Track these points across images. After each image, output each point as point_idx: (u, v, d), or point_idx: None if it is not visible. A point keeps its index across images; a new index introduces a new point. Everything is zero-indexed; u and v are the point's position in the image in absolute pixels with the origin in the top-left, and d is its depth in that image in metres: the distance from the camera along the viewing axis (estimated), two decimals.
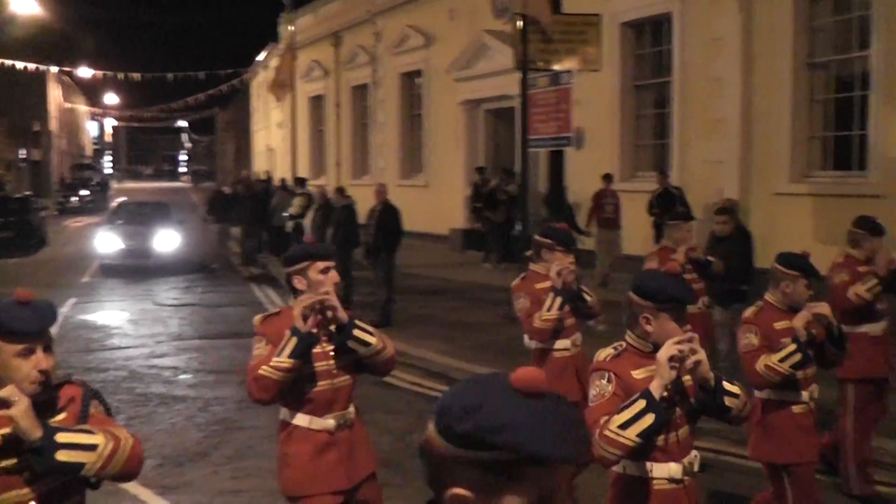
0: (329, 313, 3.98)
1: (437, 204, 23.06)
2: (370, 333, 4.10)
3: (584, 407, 5.64)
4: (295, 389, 4.04)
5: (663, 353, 3.30)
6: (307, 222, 18.04)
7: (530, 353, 5.88)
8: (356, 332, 4.04)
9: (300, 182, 22.10)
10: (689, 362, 3.31)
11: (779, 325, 4.87)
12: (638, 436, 3.23)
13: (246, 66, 46.22)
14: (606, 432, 3.24)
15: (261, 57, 43.58)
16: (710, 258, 7.57)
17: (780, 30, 13.55)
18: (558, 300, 5.48)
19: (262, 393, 3.94)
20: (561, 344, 5.68)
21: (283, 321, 4.06)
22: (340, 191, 15.66)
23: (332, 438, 4.12)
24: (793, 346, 4.59)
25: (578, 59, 14.04)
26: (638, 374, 3.49)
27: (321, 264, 4.13)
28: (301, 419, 4.11)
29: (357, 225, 14.18)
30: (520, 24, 12.99)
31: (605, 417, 3.28)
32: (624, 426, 3.23)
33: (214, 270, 20.54)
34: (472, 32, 21.36)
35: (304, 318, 3.91)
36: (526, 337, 5.84)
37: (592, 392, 3.48)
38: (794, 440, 4.87)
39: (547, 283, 5.61)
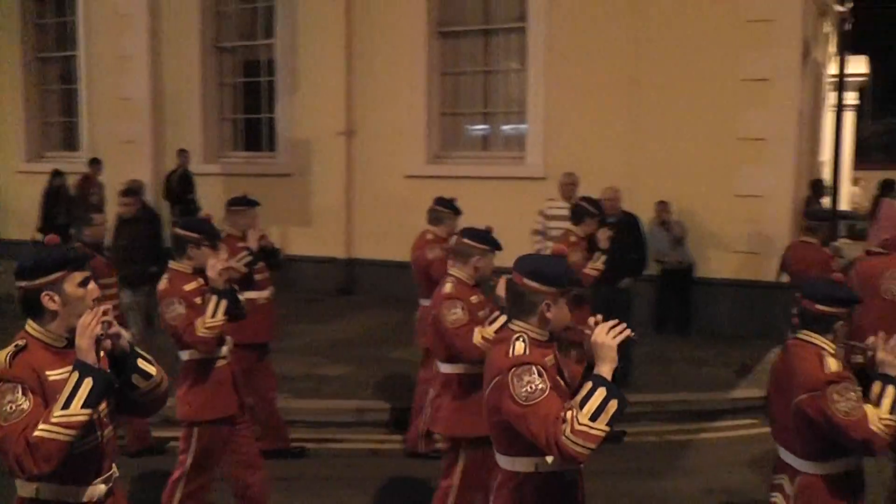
0: (107, 342, 3.11)
1: None
2: (149, 361, 3.29)
3: (244, 421, 5.23)
4: None
5: (610, 338, 3.12)
6: None
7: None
8: (139, 362, 3.23)
9: None
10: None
11: (474, 298, 4.95)
12: (607, 424, 3.01)
13: None
14: (578, 427, 2.97)
15: None
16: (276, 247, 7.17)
17: (187, 12, 13.78)
18: (223, 303, 4.91)
19: (44, 464, 2.91)
20: (222, 352, 5.08)
21: (35, 358, 3.07)
22: None
23: None
24: (504, 318, 4.44)
25: None
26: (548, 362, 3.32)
27: (79, 275, 3.19)
28: (57, 492, 3.13)
29: None
30: None
31: (565, 412, 3.02)
32: (594, 417, 2.98)
33: None
34: None
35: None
36: (185, 353, 5.04)
37: (524, 389, 3.12)
38: (475, 412, 4.85)
39: (195, 284, 5.04)
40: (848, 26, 14.33)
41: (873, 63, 21.15)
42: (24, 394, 2.96)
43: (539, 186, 10.86)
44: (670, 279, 10.66)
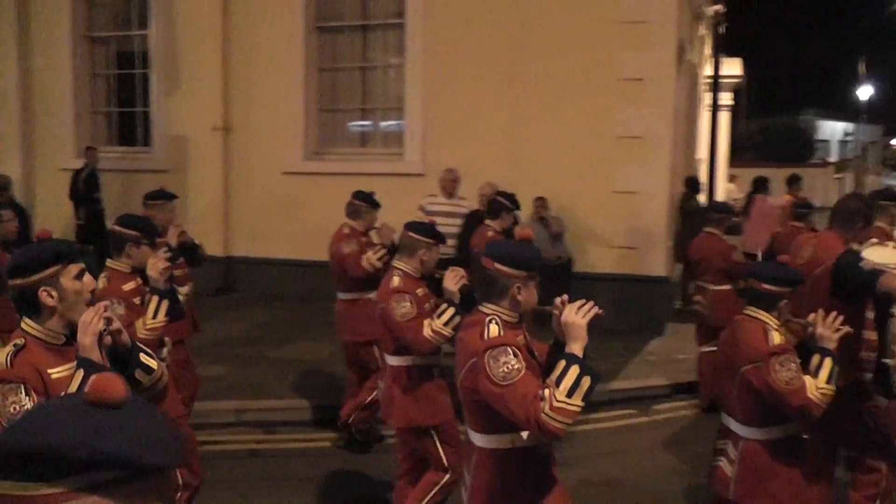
0: (108, 338, 2.96)
1: None
2: (149, 355, 3.16)
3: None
4: None
5: (580, 317, 3.25)
6: None
7: None
8: (141, 356, 3.09)
9: None
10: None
11: (420, 291, 5.05)
12: (582, 400, 3.14)
13: None
14: (557, 404, 3.09)
15: None
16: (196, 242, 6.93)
17: (57, 1, 13.19)
18: (165, 303, 4.68)
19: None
20: (162, 353, 4.80)
21: (35, 357, 2.97)
22: None
23: None
24: (451, 310, 4.75)
25: None
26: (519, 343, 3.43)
27: (74, 268, 3.08)
28: None
29: None
30: None
31: (542, 390, 3.14)
32: (570, 394, 3.11)
33: None
34: None
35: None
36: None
37: (502, 370, 3.25)
38: (439, 400, 5.08)
39: (134, 284, 4.89)
40: (722, 29, 14.79)
41: (748, 65, 21.91)
42: (27, 394, 2.87)
43: (418, 183, 10.84)
44: (549, 274, 10.69)
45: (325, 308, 10.96)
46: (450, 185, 9.65)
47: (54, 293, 3.03)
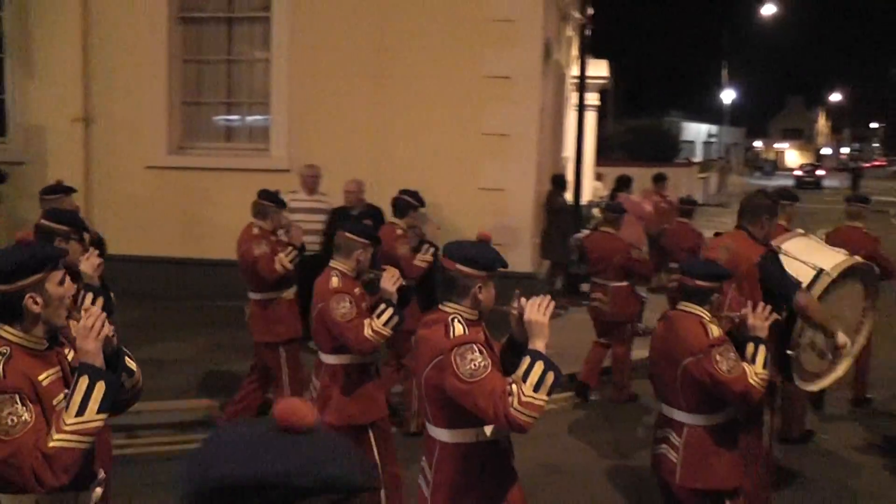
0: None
1: None
2: (130, 357, 3.20)
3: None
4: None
5: (541, 315, 3.40)
6: None
7: None
8: (126, 360, 3.15)
9: None
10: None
11: (357, 290, 5.14)
12: (548, 395, 3.29)
13: None
14: (525, 399, 3.23)
15: None
16: None
17: None
18: (100, 300, 4.65)
19: (63, 475, 2.76)
20: None
21: (23, 364, 2.91)
22: None
23: None
24: (390, 310, 4.91)
25: None
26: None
27: (57, 273, 3.06)
28: (60, 501, 2.95)
29: None
30: None
31: (509, 385, 3.27)
32: (536, 388, 3.25)
33: None
34: None
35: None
36: None
37: (469, 367, 3.36)
38: (377, 398, 5.28)
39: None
40: (588, 31, 15.16)
41: (616, 68, 22.55)
42: (23, 404, 2.80)
43: (284, 179, 10.68)
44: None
45: (195, 307, 10.69)
46: (311, 181, 9.59)
47: (39, 299, 2.97)
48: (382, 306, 4.92)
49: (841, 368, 5.64)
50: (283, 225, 7.19)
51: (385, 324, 4.88)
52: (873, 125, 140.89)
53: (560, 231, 12.29)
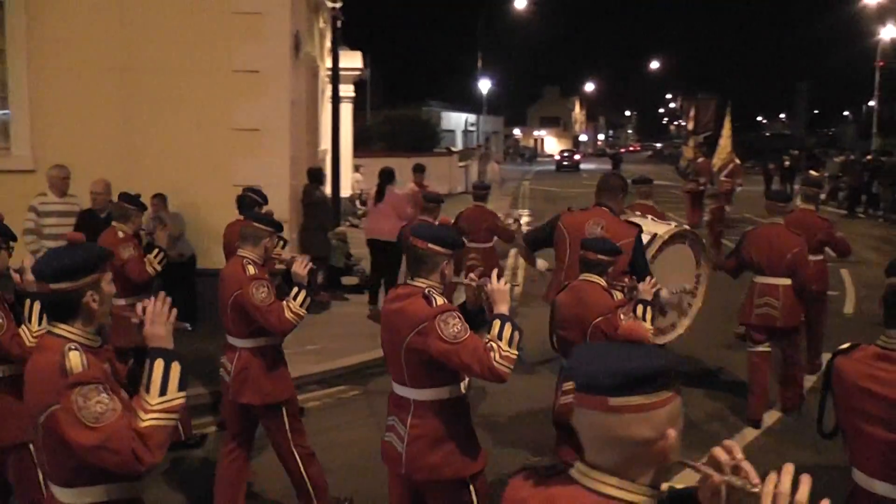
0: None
1: None
2: None
3: None
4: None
5: (502, 284, 4.08)
6: None
7: None
8: None
9: None
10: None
11: (267, 275, 5.55)
12: (517, 349, 3.94)
13: None
14: (504, 353, 3.85)
15: None
16: None
17: None
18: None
19: (158, 452, 2.95)
20: None
21: (100, 356, 3.14)
22: None
23: None
24: (303, 292, 5.37)
25: None
26: None
27: (108, 273, 3.27)
28: (128, 489, 3.15)
29: None
30: None
31: (487, 343, 3.86)
32: (509, 344, 3.89)
33: None
34: None
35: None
36: None
37: (451, 330, 3.86)
38: (288, 378, 5.71)
39: None
40: (340, 23, 15.18)
41: (374, 59, 22.80)
42: (106, 392, 2.92)
43: (29, 180, 10.07)
44: (173, 273, 10.41)
45: None
46: (60, 183, 9.07)
47: (97, 297, 3.15)
48: (296, 289, 5.36)
49: (681, 328, 7.48)
50: (144, 228, 7.45)
51: (301, 305, 5.34)
52: (627, 113, 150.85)
53: (319, 225, 12.26)
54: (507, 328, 3.91)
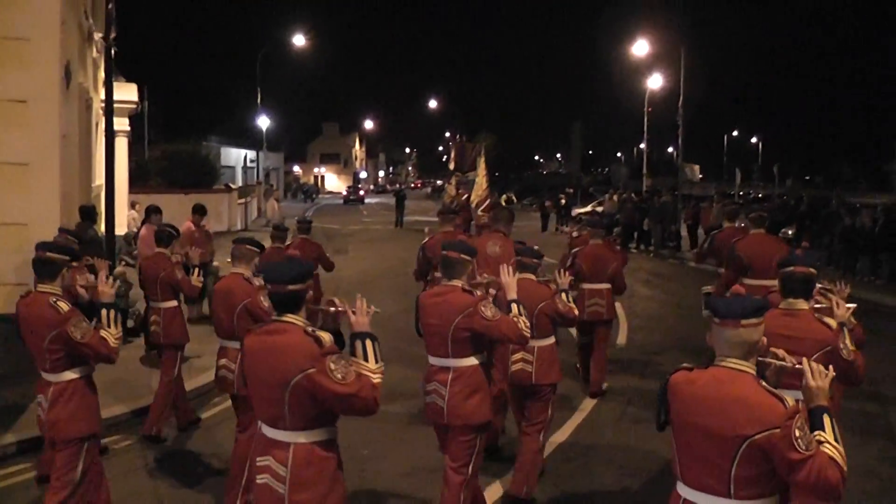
0: None
1: None
2: None
3: None
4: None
5: (512, 278, 5.86)
6: None
7: None
8: None
9: None
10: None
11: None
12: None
13: None
14: (523, 324, 5.64)
15: None
16: None
17: None
18: None
19: (379, 402, 4.12)
20: None
21: None
22: None
23: None
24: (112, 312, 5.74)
25: None
26: None
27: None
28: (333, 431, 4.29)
29: None
30: None
31: (514, 319, 5.61)
32: (527, 320, 5.76)
33: None
34: None
35: None
36: None
37: (490, 312, 5.57)
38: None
39: None
40: (114, 53, 14.47)
41: (152, 92, 21.95)
42: (344, 359, 4.04)
43: None
44: None
45: None
46: None
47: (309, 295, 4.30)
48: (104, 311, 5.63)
49: None
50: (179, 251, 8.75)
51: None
52: (407, 150, 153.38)
53: (92, 266, 11.52)
54: (514, 308, 5.64)
